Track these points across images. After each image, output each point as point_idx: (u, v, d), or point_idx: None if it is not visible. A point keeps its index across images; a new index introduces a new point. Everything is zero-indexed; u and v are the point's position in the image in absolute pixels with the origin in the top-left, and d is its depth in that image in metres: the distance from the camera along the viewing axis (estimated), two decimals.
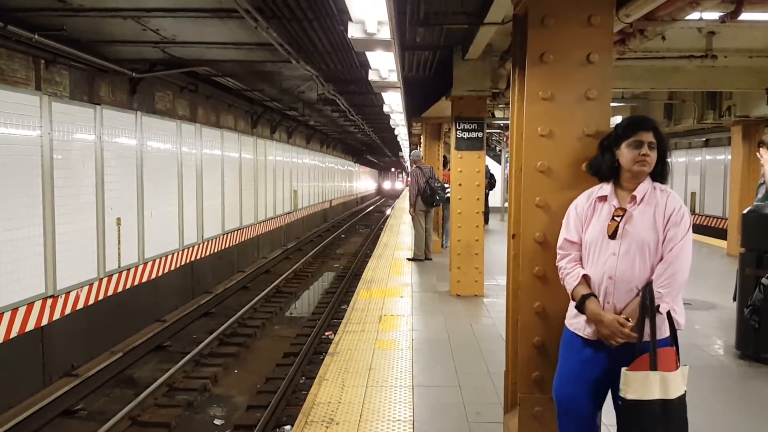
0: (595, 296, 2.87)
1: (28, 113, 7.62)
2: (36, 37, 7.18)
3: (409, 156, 12.32)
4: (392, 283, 9.66)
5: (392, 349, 6.16)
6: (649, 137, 2.87)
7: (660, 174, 2.95)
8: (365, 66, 6.29)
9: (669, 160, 3.00)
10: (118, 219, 9.84)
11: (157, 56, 9.44)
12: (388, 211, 32.30)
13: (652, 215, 2.83)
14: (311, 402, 4.81)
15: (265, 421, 6.90)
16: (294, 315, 12.78)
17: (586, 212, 3.00)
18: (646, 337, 2.72)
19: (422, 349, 6.23)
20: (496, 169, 19.82)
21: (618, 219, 2.87)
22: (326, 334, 10.45)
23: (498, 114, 14.83)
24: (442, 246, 12.93)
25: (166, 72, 10.59)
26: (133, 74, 9.79)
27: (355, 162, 47.41)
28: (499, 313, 7.43)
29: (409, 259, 11.72)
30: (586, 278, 2.92)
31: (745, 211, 5.92)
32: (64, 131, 8.36)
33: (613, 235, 2.86)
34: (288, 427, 6.92)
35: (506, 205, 19.30)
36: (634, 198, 2.88)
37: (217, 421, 7.39)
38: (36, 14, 6.96)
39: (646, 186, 2.90)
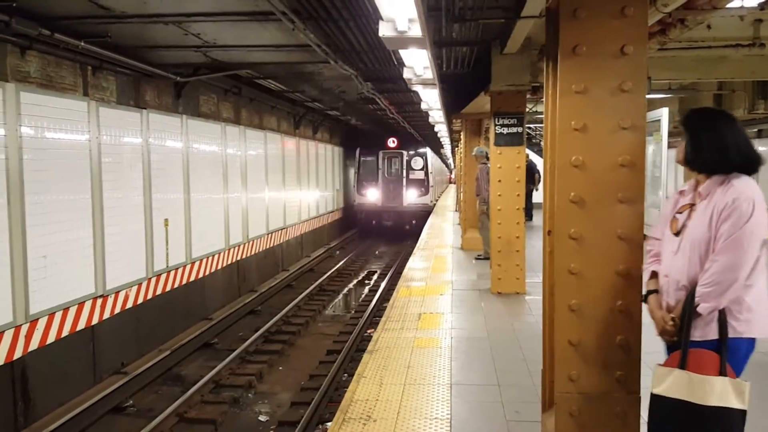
0: (658, 293, 2.87)
1: (76, 118, 7.86)
2: (82, 44, 7.39)
3: (472, 153, 12.28)
4: (433, 281, 9.63)
5: (431, 347, 6.14)
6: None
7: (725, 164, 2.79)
8: (403, 63, 6.27)
9: (729, 147, 2.79)
10: (166, 220, 10.06)
11: (200, 60, 9.61)
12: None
13: (710, 212, 2.71)
14: (349, 399, 4.84)
15: (308, 418, 6.97)
16: (337, 313, 12.88)
17: (670, 206, 2.96)
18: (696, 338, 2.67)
19: (461, 347, 6.20)
20: (541, 165, 19.55)
21: (679, 216, 2.81)
22: (368, 331, 10.48)
23: (540, 108, 14.63)
24: None
25: (209, 75, 10.78)
26: (178, 78, 9.98)
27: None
28: (541, 311, 7.33)
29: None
30: (655, 274, 2.91)
31: None
32: (111, 135, 8.59)
33: (678, 232, 2.81)
34: (330, 424, 6.97)
35: None
36: (700, 193, 2.80)
37: (262, 418, 7.50)
38: (81, 22, 7.15)
39: (714, 179, 2.76)
